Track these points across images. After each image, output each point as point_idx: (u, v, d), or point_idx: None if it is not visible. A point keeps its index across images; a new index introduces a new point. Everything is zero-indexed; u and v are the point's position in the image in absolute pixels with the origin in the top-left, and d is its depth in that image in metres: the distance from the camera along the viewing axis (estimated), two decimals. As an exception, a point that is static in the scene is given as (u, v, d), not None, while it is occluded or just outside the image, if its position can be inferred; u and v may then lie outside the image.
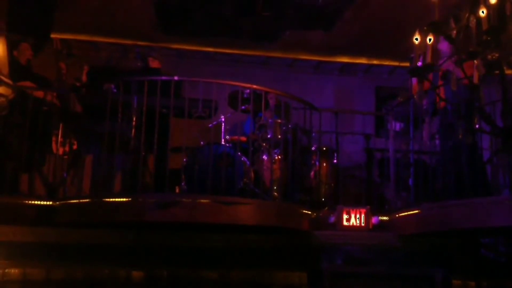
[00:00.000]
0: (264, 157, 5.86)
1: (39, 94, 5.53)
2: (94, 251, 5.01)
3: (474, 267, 5.34)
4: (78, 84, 5.97)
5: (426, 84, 4.06)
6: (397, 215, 5.23)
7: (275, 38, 8.07)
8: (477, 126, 4.07)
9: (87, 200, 4.91)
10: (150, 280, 5.17)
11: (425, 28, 3.80)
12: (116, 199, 4.71)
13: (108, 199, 4.75)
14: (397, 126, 6.54)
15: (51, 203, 4.94)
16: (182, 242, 5.15)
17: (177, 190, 5.27)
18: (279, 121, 5.88)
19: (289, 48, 8.38)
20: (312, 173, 6.31)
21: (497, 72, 3.84)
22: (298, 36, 8.01)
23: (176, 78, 5.06)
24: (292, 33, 7.93)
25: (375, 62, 8.66)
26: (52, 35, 7.02)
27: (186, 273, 5.15)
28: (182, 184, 5.12)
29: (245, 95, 5.79)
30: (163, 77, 5.14)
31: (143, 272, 5.06)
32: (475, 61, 3.76)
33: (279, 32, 7.93)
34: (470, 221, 4.38)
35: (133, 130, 5.09)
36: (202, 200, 4.65)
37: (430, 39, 3.81)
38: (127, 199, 4.69)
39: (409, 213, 5.04)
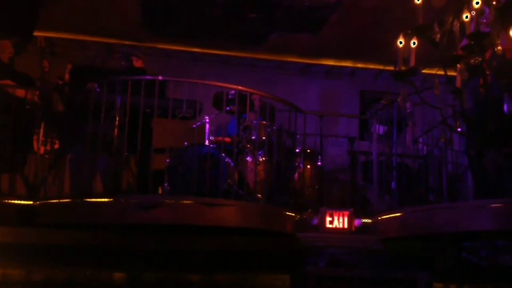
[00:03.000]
0: (249, 158, 5.84)
1: (21, 92, 5.47)
2: (75, 252, 4.96)
3: (456, 270, 5.37)
4: (60, 82, 5.90)
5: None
6: (380, 218, 5.25)
7: (262, 40, 8.07)
8: (459, 130, 4.09)
9: (68, 200, 4.85)
10: (132, 282, 5.14)
11: (409, 31, 3.83)
12: (98, 200, 4.67)
13: (89, 200, 4.71)
14: (381, 129, 6.57)
15: (31, 203, 4.88)
16: (165, 244, 5.12)
17: (160, 191, 5.23)
18: (264, 122, 5.87)
19: (276, 50, 8.39)
20: (296, 175, 6.30)
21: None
22: (285, 39, 8.02)
23: (160, 78, 5.04)
24: (279, 36, 7.94)
25: (360, 65, 8.71)
26: (36, 33, 6.95)
27: (169, 275, 5.12)
28: (165, 185, 5.08)
29: (230, 96, 5.77)
30: (147, 77, 5.12)
31: (125, 274, 5.02)
32: (458, 65, 3.79)
33: (266, 35, 7.94)
34: (453, 225, 4.40)
35: (116, 130, 5.04)
36: (185, 202, 4.63)
37: (414, 43, 3.83)
38: (108, 200, 4.65)
39: (391, 216, 5.05)
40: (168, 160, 5.16)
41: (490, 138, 3.94)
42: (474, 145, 4.36)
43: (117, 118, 5.05)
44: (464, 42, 3.86)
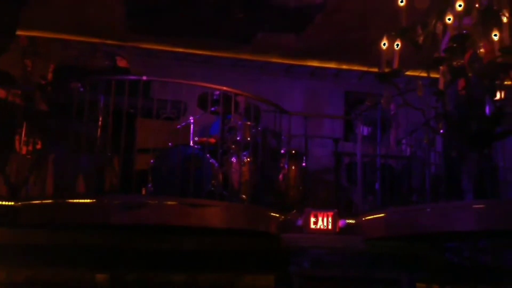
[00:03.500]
0: (233, 159, 5.83)
1: (2, 92, 5.40)
2: (57, 253, 4.91)
3: (438, 271, 5.41)
4: (43, 82, 5.84)
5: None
6: (363, 219, 5.27)
7: (247, 40, 8.07)
8: (441, 131, 4.13)
9: (50, 201, 4.80)
10: (115, 283, 5.10)
11: (392, 33, 3.85)
12: (80, 201, 4.62)
13: (71, 200, 4.66)
14: (365, 130, 6.61)
15: (13, 203, 4.82)
16: (149, 244, 5.09)
17: (143, 192, 5.20)
18: (249, 123, 5.87)
19: (261, 50, 8.40)
20: (280, 176, 6.32)
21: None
22: (270, 39, 8.03)
23: (144, 78, 5.01)
24: (264, 36, 7.95)
25: (344, 66, 8.75)
26: (19, 32, 6.87)
27: (153, 276, 5.09)
28: (149, 185, 5.06)
29: (214, 97, 5.76)
30: (131, 77, 5.08)
31: (108, 275, 4.98)
32: (441, 67, 3.82)
33: (251, 35, 7.94)
34: (435, 225, 4.44)
35: (99, 130, 5.00)
36: (169, 202, 4.60)
37: (397, 45, 3.85)
38: (91, 201, 4.60)
39: (375, 216, 5.08)
40: (152, 161, 5.13)
41: (472, 139, 3.98)
42: (456, 146, 4.41)
43: (100, 118, 5.01)
44: (445, 43, 3.91)
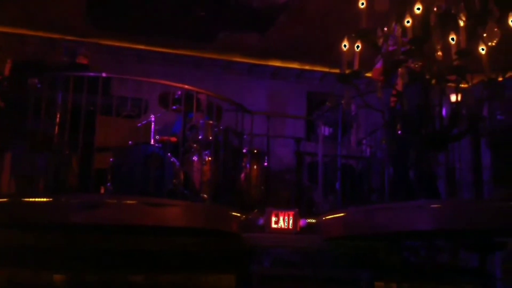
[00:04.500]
0: (195, 158, 5.80)
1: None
2: (14, 253, 4.79)
3: (397, 269, 5.51)
4: (0, 77, 5.68)
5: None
6: (324, 218, 5.32)
7: (210, 39, 8.04)
8: (399, 132, 4.21)
9: (6, 199, 4.67)
10: (73, 284, 5.01)
11: (353, 35, 3.90)
12: (37, 200, 4.52)
13: (28, 199, 4.55)
14: (327, 131, 6.68)
15: (-32, 202, 4.67)
16: (108, 244, 5.02)
17: (102, 191, 5.12)
18: (211, 122, 5.85)
19: (224, 50, 8.38)
20: (242, 175, 6.32)
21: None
22: (233, 38, 8.02)
23: (104, 74, 4.93)
24: (227, 35, 7.93)
25: (307, 67, 8.81)
26: (-25, 27, 6.69)
27: (112, 276, 5.02)
28: (108, 184, 4.98)
29: (176, 95, 5.72)
30: (91, 73, 5.00)
31: (66, 275, 4.89)
32: (400, 69, 3.89)
33: (214, 34, 7.91)
34: (393, 224, 4.51)
35: (56, 128, 4.89)
36: (128, 202, 4.54)
37: (358, 46, 3.90)
38: (49, 200, 4.50)
39: (335, 216, 5.13)
40: (111, 159, 5.06)
41: (428, 140, 4.06)
42: (413, 147, 4.50)
43: (58, 115, 4.91)
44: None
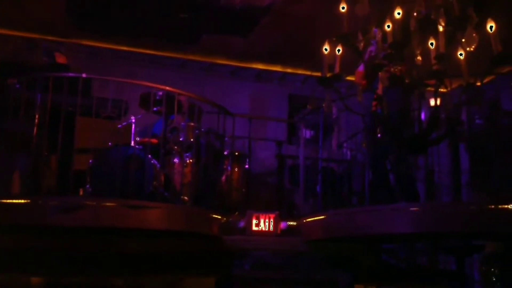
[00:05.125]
0: (176, 160, 5.78)
1: None
2: (-11, 255, 4.71)
3: (376, 272, 5.54)
4: (-22, 78, 5.60)
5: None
6: (304, 221, 5.33)
7: (192, 41, 8.02)
8: (379, 135, 4.24)
9: (-18, 201, 4.60)
10: (50, 287, 4.95)
11: (334, 39, 3.91)
12: (14, 201, 4.45)
13: (5, 201, 4.48)
14: (308, 134, 6.72)
15: None
16: (87, 247, 4.96)
17: (81, 193, 5.07)
18: (192, 124, 5.83)
19: (207, 52, 8.37)
20: (223, 178, 6.31)
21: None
22: (217, 41, 8.01)
23: (84, 75, 4.89)
24: (210, 37, 7.92)
25: (289, 70, 8.84)
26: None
27: (91, 279, 4.97)
28: (87, 186, 4.93)
29: (157, 97, 5.69)
30: (71, 74, 4.95)
31: (44, 278, 4.83)
32: (380, 74, 3.92)
33: (197, 35, 7.89)
34: (373, 227, 4.53)
35: (35, 129, 4.83)
36: (107, 204, 4.49)
37: (339, 50, 3.92)
38: (26, 201, 4.44)
39: (316, 218, 5.14)
40: (91, 161, 5.02)
41: (408, 144, 4.10)
42: (393, 151, 4.53)
43: (37, 116, 4.85)
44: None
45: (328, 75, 3.96)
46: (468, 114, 5.32)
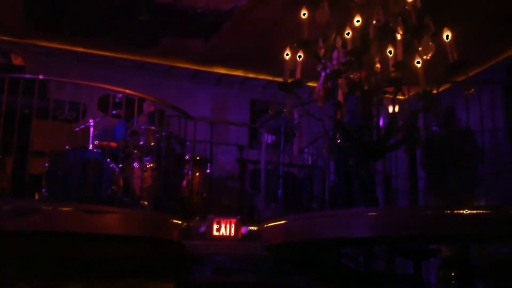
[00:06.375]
0: (135, 164, 5.70)
1: None
2: None
3: (335, 275, 5.60)
4: None
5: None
6: (265, 226, 5.35)
7: (152, 43, 7.93)
8: (338, 141, 4.29)
9: None
10: (3, 294, 4.81)
11: (295, 44, 3.94)
12: (-33, 205, 4.30)
13: (-43, 205, 4.32)
14: (270, 138, 6.74)
15: None
16: (43, 252, 4.85)
17: (37, 197, 4.94)
18: (153, 128, 5.77)
19: (167, 55, 8.29)
20: (184, 182, 6.26)
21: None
22: (177, 44, 7.94)
23: (41, 77, 4.78)
24: (170, 40, 7.85)
25: (251, 75, 8.85)
26: None
27: (47, 285, 4.85)
28: (43, 190, 4.81)
29: (117, 100, 5.61)
30: (27, 75, 4.83)
31: (-3, 285, 4.69)
32: (339, 80, 3.97)
33: (157, 38, 7.80)
34: (332, 232, 4.58)
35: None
36: (64, 208, 4.40)
37: (300, 56, 3.95)
38: (-21, 205, 4.30)
39: (276, 223, 5.16)
40: (47, 164, 4.90)
41: (366, 150, 4.16)
42: (353, 155, 4.60)
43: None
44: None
45: (289, 80, 3.99)
46: (425, 121, 5.44)
